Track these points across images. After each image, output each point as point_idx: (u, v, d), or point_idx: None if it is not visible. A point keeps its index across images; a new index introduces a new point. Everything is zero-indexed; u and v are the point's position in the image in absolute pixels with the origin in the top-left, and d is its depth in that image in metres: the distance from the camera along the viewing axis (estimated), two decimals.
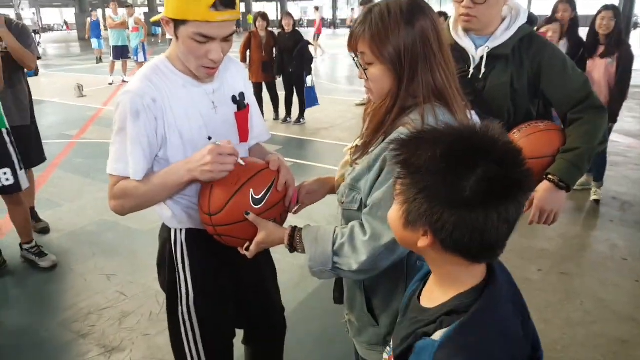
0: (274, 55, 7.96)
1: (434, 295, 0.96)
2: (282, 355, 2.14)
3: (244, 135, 1.74)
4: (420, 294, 1.03)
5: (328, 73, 12.90)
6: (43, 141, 3.95)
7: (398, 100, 1.26)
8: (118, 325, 2.92)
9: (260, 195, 1.45)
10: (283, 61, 7.88)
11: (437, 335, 0.86)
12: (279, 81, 8.15)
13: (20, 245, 3.61)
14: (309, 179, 1.66)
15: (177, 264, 1.72)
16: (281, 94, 8.30)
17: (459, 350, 0.82)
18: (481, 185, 0.78)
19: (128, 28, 12.48)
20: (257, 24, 7.88)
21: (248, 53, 7.98)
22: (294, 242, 1.40)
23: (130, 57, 12.56)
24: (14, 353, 2.73)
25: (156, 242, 1.81)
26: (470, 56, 1.97)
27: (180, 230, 1.71)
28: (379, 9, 1.25)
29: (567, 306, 3.07)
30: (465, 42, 1.96)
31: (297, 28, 8.13)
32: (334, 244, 1.31)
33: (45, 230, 4.13)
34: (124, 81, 12.07)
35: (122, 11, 12.49)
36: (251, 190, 1.45)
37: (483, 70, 1.95)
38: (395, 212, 0.92)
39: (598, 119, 1.87)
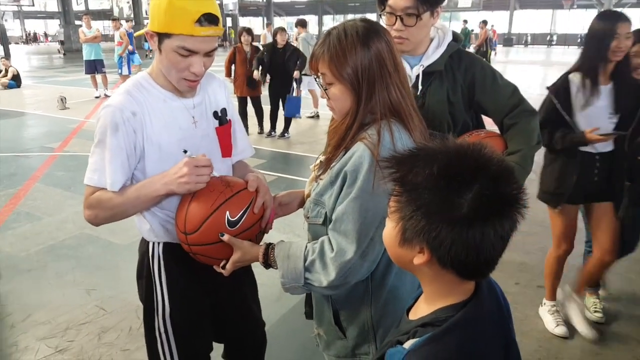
0: (259, 70, 7.95)
1: (419, 308, 0.99)
2: None
3: (225, 150, 1.77)
4: (410, 309, 1.05)
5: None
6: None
7: (357, 117, 1.32)
8: (97, 341, 2.90)
9: (236, 218, 1.48)
10: (273, 75, 7.90)
11: (408, 344, 0.89)
12: (264, 95, 8.18)
13: None
14: (282, 192, 1.70)
15: (154, 277, 1.73)
16: (266, 108, 8.32)
17: (422, 359, 0.85)
18: (478, 202, 0.80)
19: (106, 41, 12.39)
20: (242, 38, 7.93)
21: (233, 68, 8.01)
22: (269, 259, 1.43)
23: (104, 72, 12.31)
24: None
25: (137, 256, 1.82)
26: (407, 75, 2.05)
27: (158, 243, 1.73)
28: (336, 31, 1.33)
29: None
30: None
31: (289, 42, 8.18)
32: (305, 260, 1.35)
33: None
34: (106, 95, 11.97)
35: (100, 24, 12.39)
36: (227, 212, 1.47)
37: (420, 87, 2.04)
38: (390, 230, 0.93)
39: (532, 121, 2.03)
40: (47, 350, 2.83)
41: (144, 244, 1.77)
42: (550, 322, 3.02)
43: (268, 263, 1.44)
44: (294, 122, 8.35)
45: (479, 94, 2.04)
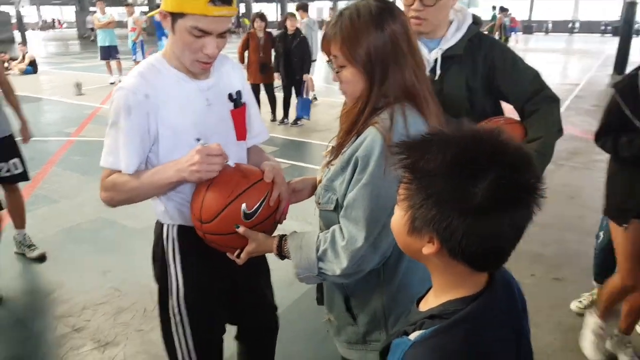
0: (273, 57, 7.93)
1: (429, 299, 0.96)
2: (274, 353, 2.15)
3: (240, 133, 1.75)
4: (421, 299, 1.02)
5: (326, 75, 12.92)
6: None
7: (370, 102, 1.28)
8: (113, 321, 2.94)
9: (252, 210, 1.47)
10: (285, 62, 7.84)
11: (413, 335, 0.87)
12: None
13: (14, 237, 3.68)
14: (295, 178, 1.69)
15: (169, 259, 1.74)
16: (279, 95, 8.30)
17: (427, 352, 0.82)
18: (493, 191, 0.75)
19: (120, 27, 12.40)
20: (255, 24, 7.84)
21: (246, 54, 7.95)
22: (283, 251, 1.42)
23: (119, 58, 12.31)
24: (9, 345, 2.75)
25: (152, 240, 1.83)
26: (425, 60, 2.01)
27: (173, 225, 1.73)
28: (349, 12, 1.28)
29: (559, 312, 3.07)
30: (418, 46, 2.01)
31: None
32: (317, 250, 1.33)
33: (42, 258, 3.73)
34: (120, 81, 11.98)
35: (115, 10, 12.40)
36: (244, 204, 1.46)
37: (438, 72, 2.00)
38: (399, 218, 0.89)
39: (553, 108, 1.96)
40: (64, 329, 2.88)
41: (159, 226, 1.78)
42: (591, 344, 2.71)
43: (282, 254, 1.43)
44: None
45: (499, 79, 1.99)
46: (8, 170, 3.44)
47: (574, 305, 3.13)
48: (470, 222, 0.77)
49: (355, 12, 1.27)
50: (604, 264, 2.91)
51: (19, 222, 3.70)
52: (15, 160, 3.54)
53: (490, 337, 0.85)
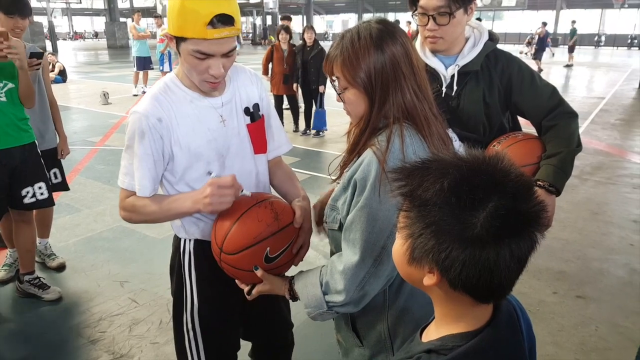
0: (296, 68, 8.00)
1: (430, 330, 0.93)
2: None
3: (258, 146, 1.75)
4: (425, 327, 0.99)
5: None
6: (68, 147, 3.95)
7: (370, 122, 1.29)
8: (128, 332, 2.95)
9: (274, 255, 1.47)
10: (303, 73, 7.92)
11: None
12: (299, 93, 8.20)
13: (19, 277, 3.34)
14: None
15: (185, 273, 1.74)
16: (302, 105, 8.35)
17: None
18: (493, 221, 0.73)
19: (151, 38, 12.54)
20: (280, 36, 7.95)
21: (270, 66, 8.05)
22: (294, 294, 1.43)
23: (152, 68, 12.56)
24: (23, 355, 2.77)
25: (171, 250, 1.84)
26: (441, 76, 2.03)
27: (190, 240, 1.73)
28: (350, 34, 1.29)
29: (582, 331, 2.99)
30: (434, 63, 2.02)
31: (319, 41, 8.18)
32: (321, 285, 1.33)
33: (61, 268, 3.73)
34: (144, 92, 12.18)
35: (144, 22, 12.56)
36: (268, 248, 1.46)
37: (455, 88, 2.00)
38: (399, 247, 0.87)
39: (572, 123, 1.97)
40: (80, 340, 2.89)
41: (177, 239, 1.78)
42: None
43: (294, 297, 1.44)
44: (329, 121, 8.33)
45: (517, 95, 1.99)
46: (50, 180, 3.41)
47: None
48: (470, 253, 0.75)
49: (356, 35, 1.28)
50: None
51: (44, 231, 3.73)
52: (56, 170, 3.59)
53: None
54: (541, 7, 39.28)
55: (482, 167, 0.78)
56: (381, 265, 1.25)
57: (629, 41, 35.48)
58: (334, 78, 1.33)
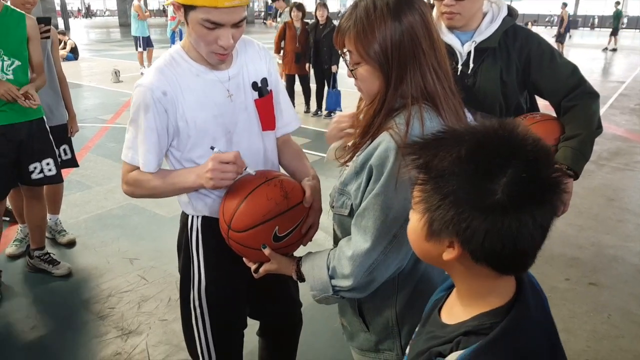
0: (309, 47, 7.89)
1: (455, 310, 0.89)
2: (296, 349, 2.13)
3: (266, 123, 1.70)
4: (441, 307, 0.96)
5: None
6: (79, 124, 3.91)
7: (385, 103, 1.19)
8: (137, 309, 2.96)
9: (283, 234, 1.44)
10: (315, 52, 7.80)
11: (453, 357, 0.80)
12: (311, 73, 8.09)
13: (29, 253, 3.37)
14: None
15: (192, 250, 1.72)
16: (313, 86, 8.26)
17: None
18: (514, 187, 0.71)
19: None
20: (292, 14, 7.81)
21: (282, 44, 7.94)
22: (301, 275, 1.39)
23: (153, 45, 12.35)
24: (33, 328, 2.79)
25: None
26: (457, 52, 1.96)
27: (197, 217, 1.71)
28: (364, 3, 1.18)
29: (594, 318, 2.96)
30: (450, 39, 1.94)
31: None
32: (328, 268, 1.28)
33: (71, 244, 3.76)
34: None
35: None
36: (277, 227, 1.42)
37: (471, 65, 1.93)
38: (415, 223, 0.84)
39: (592, 104, 1.89)
40: (88, 315, 2.91)
41: (184, 216, 1.76)
42: None
43: (301, 277, 1.40)
44: (342, 102, 8.20)
45: (535, 73, 1.91)
46: (58, 156, 3.39)
47: None
48: (491, 221, 0.72)
49: (372, 4, 1.17)
50: None
51: (54, 207, 3.73)
52: (65, 146, 3.59)
53: (534, 348, 0.80)
54: None
55: (498, 133, 0.76)
56: (391, 253, 1.20)
57: None
58: (345, 51, 1.24)
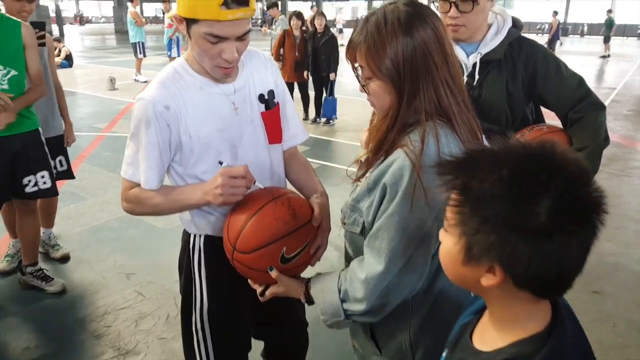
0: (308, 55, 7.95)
1: (489, 336, 0.86)
2: None
3: (273, 136, 1.66)
4: (472, 331, 0.92)
5: None
6: (74, 133, 3.81)
7: (398, 119, 1.16)
8: (134, 327, 2.89)
9: (291, 255, 1.39)
10: (313, 60, 7.85)
11: None
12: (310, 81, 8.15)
13: (21, 269, 3.25)
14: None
15: (194, 271, 1.68)
16: (311, 93, 8.28)
17: None
18: (558, 209, 0.69)
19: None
20: (292, 22, 7.90)
21: (282, 52, 7.99)
22: (310, 298, 1.34)
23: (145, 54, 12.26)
24: (25, 349, 2.71)
25: (179, 241, 1.77)
26: (462, 64, 1.95)
27: (200, 236, 1.66)
28: (375, 17, 1.16)
29: (599, 328, 2.93)
30: (456, 51, 1.93)
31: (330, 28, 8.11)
32: (340, 292, 1.24)
33: (65, 259, 3.66)
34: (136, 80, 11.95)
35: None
36: (284, 248, 1.37)
37: (477, 77, 1.92)
38: (450, 246, 0.81)
39: (599, 116, 1.89)
40: (83, 335, 2.83)
41: (186, 234, 1.72)
42: None
43: (310, 300, 1.35)
44: (339, 109, 8.23)
45: (541, 85, 1.91)
46: (54, 168, 3.35)
47: None
48: (536, 244, 0.70)
49: (382, 18, 1.14)
50: None
51: (48, 220, 3.66)
52: (61, 157, 3.51)
53: None
54: None
55: (538, 155, 0.74)
56: (406, 275, 1.16)
57: (639, 31, 35.18)
58: (356, 66, 1.21)
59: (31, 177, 2.98)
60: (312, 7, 9.38)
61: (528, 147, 0.75)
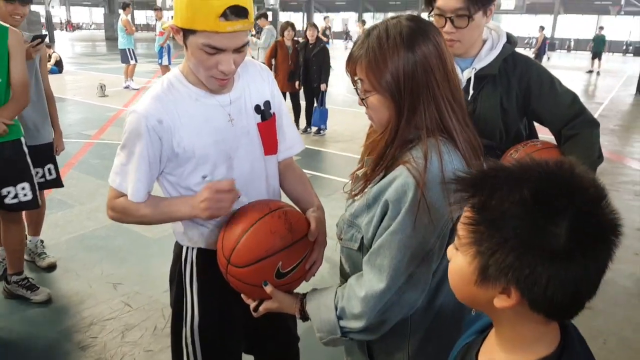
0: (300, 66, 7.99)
1: (496, 358, 0.84)
2: None
3: (269, 147, 1.64)
4: (477, 352, 0.90)
5: (349, 84, 12.94)
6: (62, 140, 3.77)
7: (398, 134, 1.15)
8: (120, 339, 2.83)
9: (286, 270, 1.37)
10: (304, 71, 7.88)
11: None
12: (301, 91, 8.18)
13: (6, 278, 3.18)
14: None
15: (185, 284, 1.65)
16: (302, 103, 8.30)
17: None
18: (577, 230, 0.68)
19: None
20: (285, 33, 7.92)
21: (273, 62, 8.01)
22: (306, 314, 1.32)
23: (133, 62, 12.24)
24: None
25: (167, 251, 1.74)
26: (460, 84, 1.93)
27: (192, 248, 1.64)
28: (377, 32, 1.15)
29: (591, 344, 2.73)
30: None
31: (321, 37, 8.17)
32: (336, 309, 1.22)
33: (52, 267, 3.59)
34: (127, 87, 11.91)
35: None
36: (280, 263, 1.35)
37: (471, 92, 1.92)
38: (464, 266, 0.78)
39: (593, 133, 1.90)
40: (68, 346, 2.77)
41: (178, 247, 1.69)
42: None
43: (305, 316, 1.32)
44: (330, 120, 8.24)
45: (535, 101, 1.91)
46: (43, 176, 3.31)
47: None
48: (555, 266, 0.69)
49: (384, 33, 1.14)
50: None
51: (35, 228, 3.59)
52: (50, 165, 3.44)
53: None
54: (539, 11, 39.38)
55: (559, 173, 0.73)
56: (406, 293, 1.14)
57: (624, 47, 36.04)
58: (356, 79, 1.20)
59: (10, 189, 2.88)
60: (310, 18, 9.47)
61: (546, 166, 0.74)
